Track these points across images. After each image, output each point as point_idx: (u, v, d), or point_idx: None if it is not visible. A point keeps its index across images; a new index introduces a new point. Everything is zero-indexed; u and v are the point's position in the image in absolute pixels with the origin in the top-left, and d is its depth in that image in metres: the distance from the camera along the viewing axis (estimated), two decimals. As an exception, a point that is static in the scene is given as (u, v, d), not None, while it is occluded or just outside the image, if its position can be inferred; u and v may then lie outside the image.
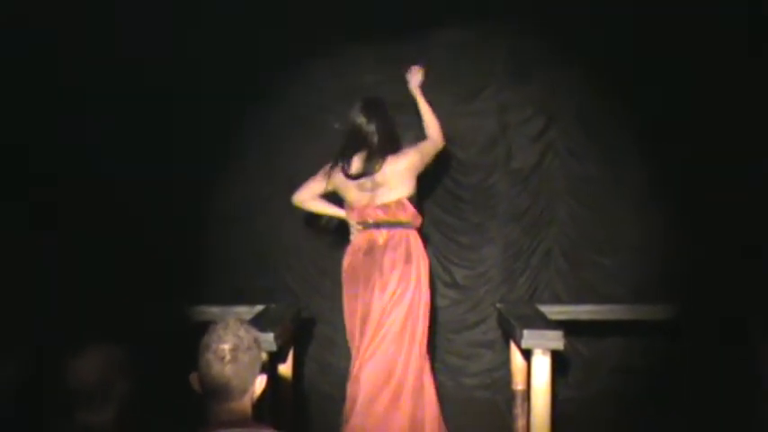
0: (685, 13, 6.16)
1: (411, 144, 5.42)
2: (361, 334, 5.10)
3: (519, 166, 6.73)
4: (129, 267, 6.26)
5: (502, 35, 6.66)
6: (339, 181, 5.21)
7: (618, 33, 6.40)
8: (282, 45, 6.53)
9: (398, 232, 5.17)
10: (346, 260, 5.28)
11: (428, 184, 6.56)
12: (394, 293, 5.07)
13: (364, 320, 5.09)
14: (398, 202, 5.16)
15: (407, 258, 5.13)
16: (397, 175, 5.16)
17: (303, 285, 6.75)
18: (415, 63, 5.72)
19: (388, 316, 5.06)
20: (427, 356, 5.22)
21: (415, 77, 5.41)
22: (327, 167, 5.28)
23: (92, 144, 6.22)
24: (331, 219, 5.76)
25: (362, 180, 5.14)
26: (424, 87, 5.56)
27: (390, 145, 5.20)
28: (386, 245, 5.12)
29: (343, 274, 5.28)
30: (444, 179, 6.70)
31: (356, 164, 5.17)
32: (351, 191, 5.19)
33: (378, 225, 5.16)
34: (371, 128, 5.17)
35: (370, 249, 5.12)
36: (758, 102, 6.17)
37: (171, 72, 6.30)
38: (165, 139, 6.36)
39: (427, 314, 5.19)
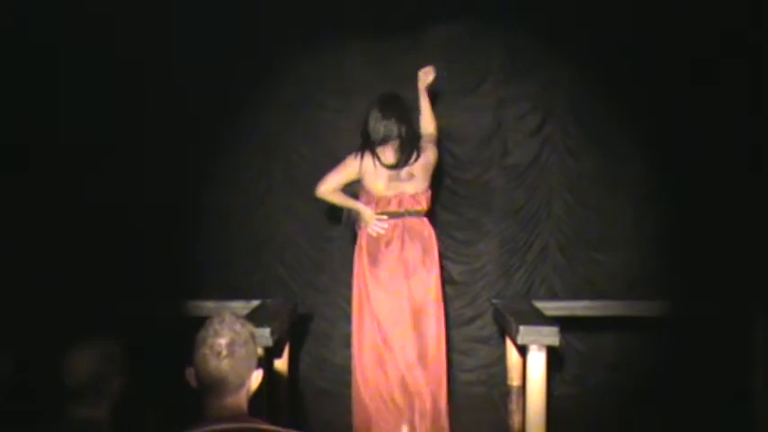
0: (684, 9, 6.16)
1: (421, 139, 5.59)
2: (397, 315, 5.34)
3: (515, 162, 6.72)
4: (123, 262, 6.25)
5: (498, 30, 6.64)
6: (368, 171, 5.39)
7: (616, 28, 6.39)
8: (279, 42, 6.53)
9: (423, 220, 5.50)
10: (368, 247, 5.45)
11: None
12: (439, 275, 5.47)
13: (399, 304, 5.36)
14: (425, 192, 5.47)
15: (434, 243, 5.49)
16: (427, 168, 5.46)
17: (299, 280, 6.74)
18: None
19: (428, 295, 5.40)
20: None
21: (427, 77, 5.66)
22: (351, 160, 5.42)
23: (89, 139, 6.22)
24: (351, 214, 5.71)
25: (397, 171, 5.37)
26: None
27: (415, 138, 5.47)
28: (421, 232, 5.43)
29: (367, 259, 5.44)
30: (440, 175, 6.68)
31: (389, 155, 5.38)
32: (381, 181, 5.38)
33: (408, 214, 5.42)
34: (397, 124, 5.37)
35: (410, 237, 5.40)
36: (757, 96, 6.18)
37: (167, 68, 6.30)
38: (161, 134, 6.35)
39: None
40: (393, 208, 5.41)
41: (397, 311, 5.36)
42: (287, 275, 6.73)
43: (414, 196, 5.41)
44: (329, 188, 5.46)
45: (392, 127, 5.36)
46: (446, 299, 6.66)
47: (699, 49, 6.23)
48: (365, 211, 5.44)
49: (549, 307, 5.77)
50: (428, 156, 5.45)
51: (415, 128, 5.52)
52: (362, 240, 5.48)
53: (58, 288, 5.85)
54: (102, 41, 6.17)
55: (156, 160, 6.35)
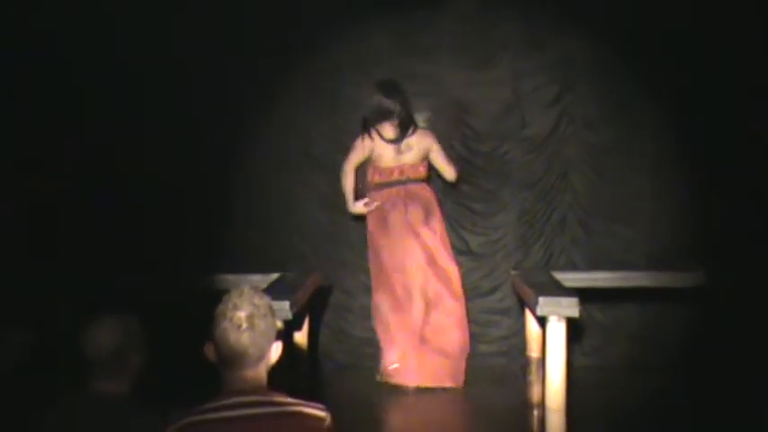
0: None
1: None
2: (406, 269, 6.11)
3: (533, 134, 6.70)
4: (142, 237, 6.27)
5: (514, 2, 6.60)
6: (377, 146, 6.21)
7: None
8: (296, 16, 6.51)
9: (423, 185, 6.29)
10: (377, 212, 6.22)
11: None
12: (444, 230, 6.30)
13: (412, 256, 6.12)
14: (422, 162, 6.26)
15: (435, 203, 6.30)
16: (421, 149, 6.25)
17: (318, 253, 6.75)
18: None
19: (436, 243, 6.19)
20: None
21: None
22: (360, 141, 6.22)
23: (109, 107, 6.22)
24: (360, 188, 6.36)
25: (398, 144, 6.17)
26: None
27: (411, 115, 6.24)
28: (422, 195, 6.23)
29: (377, 222, 6.22)
30: (458, 147, 6.68)
31: (389, 131, 6.17)
32: (388, 153, 6.20)
33: (410, 181, 6.23)
34: (396, 104, 6.09)
35: (412, 200, 6.19)
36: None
37: (189, 42, 6.29)
38: (179, 110, 6.35)
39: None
40: (396, 176, 6.22)
41: (411, 262, 6.13)
42: (306, 248, 6.74)
43: (413, 165, 6.24)
44: (350, 167, 6.27)
45: (391, 106, 6.07)
46: (464, 270, 6.69)
47: (720, 17, 6.17)
48: (350, 204, 6.32)
49: (569, 278, 5.75)
50: (425, 138, 6.25)
51: (409, 106, 6.21)
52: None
53: (74, 264, 5.88)
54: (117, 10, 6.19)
55: (174, 136, 6.36)
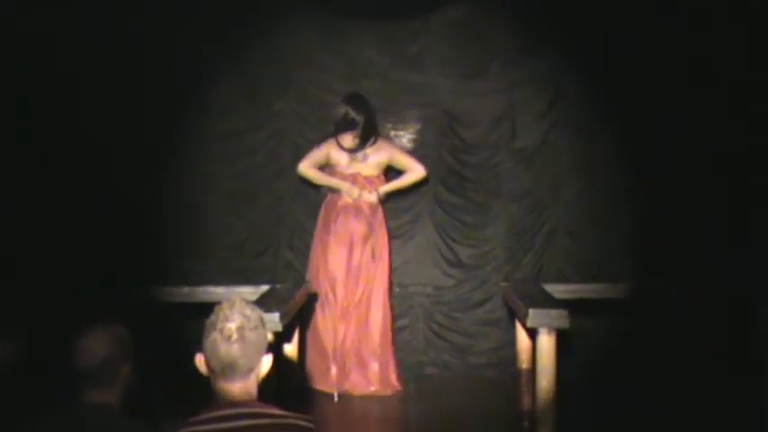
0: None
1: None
2: (339, 275, 6.22)
3: (523, 145, 6.70)
4: (132, 247, 6.25)
5: (507, 11, 6.61)
6: (333, 152, 6.29)
7: (628, 7, 6.35)
8: (286, 26, 6.52)
9: (377, 205, 6.34)
10: (324, 217, 6.30)
11: (432, 163, 6.56)
12: (383, 248, 6.35)
13: (342, 266, 6.22)
14: (379, 176, 6.37)
15: (380, 223, 6.37)
16: (379, 154, 6.31)
17: (307, 265, 6.73)
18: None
19: (368, 266, 6.26)
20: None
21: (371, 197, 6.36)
22: (325, 143, 6.31)
23: (91, 111, 6.21)
24: (321, 190, 6.39)
25: (354, 154, 6.25)
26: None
27: (374, 128, 6.34)
28: (367, 212, 6.27)
29: (322, 225, 6.31)
30: (448, 158, 6.68)
31: (348, 140, 6.25)
32: (342, 161, 6.29)
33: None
34: (359, 115, 6.21)
35: (356, 213, 6.26)
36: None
37: (178, 53, 6.30)
38: (170, 118, 6.35)
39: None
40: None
41: (338, 272, 6.21)
42: (295, 260, 6.72)
43: (367, 178, 6.32)
44: (307, 165, 6.33)
45: (356, 118, 6.18)
46: (454, 282, 6.69)
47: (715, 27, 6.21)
48: (344, 185, 6.26)
49: (559, 290, 5.76)
50: (385, 151, 6.32)
51: (374, 120, 6.32)
52: (322, 210, 6.34)
53: (62, 274, 5.87)
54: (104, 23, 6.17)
55: (165, 145, 6.36)
